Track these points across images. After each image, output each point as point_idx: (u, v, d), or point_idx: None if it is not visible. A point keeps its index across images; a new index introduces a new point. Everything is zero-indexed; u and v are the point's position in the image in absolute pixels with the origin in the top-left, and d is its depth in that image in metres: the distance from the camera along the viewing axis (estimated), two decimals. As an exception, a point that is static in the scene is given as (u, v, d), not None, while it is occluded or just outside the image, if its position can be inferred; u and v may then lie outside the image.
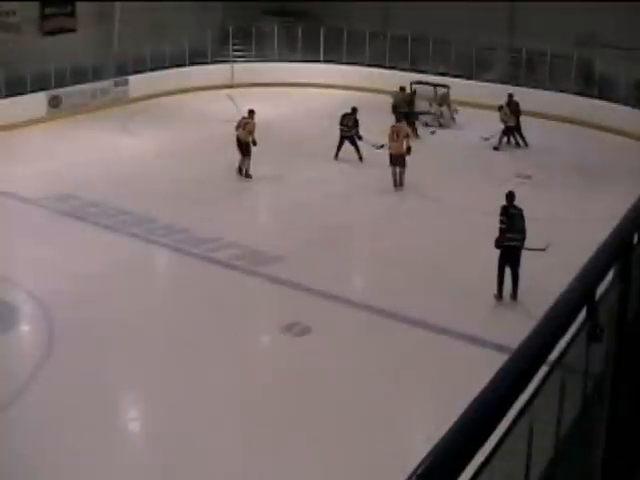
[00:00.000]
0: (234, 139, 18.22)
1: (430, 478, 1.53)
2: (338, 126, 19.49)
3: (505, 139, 21.17)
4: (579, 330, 2.39)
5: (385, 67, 26.99)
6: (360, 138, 19.13)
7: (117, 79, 24.89)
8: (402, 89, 22.78)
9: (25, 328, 12.04)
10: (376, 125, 22.04)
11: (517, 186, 17.54)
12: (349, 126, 19.38)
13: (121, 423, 9.56)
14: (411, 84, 23.57)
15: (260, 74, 26.95)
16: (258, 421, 9.11)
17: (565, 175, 18.78)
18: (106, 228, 14.98)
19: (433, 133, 22.09)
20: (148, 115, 23.76)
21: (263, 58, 28.09)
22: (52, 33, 23.68)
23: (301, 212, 16.10)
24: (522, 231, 11.99)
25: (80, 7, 24.46)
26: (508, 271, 12.13)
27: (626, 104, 22.49)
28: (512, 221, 11.93)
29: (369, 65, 27.17)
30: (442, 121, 23.04)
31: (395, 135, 17.49)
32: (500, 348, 9.80)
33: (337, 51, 27.41)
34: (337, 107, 21.59)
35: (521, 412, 2.05)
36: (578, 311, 2.24)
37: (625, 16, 22.44)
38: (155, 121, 23.15)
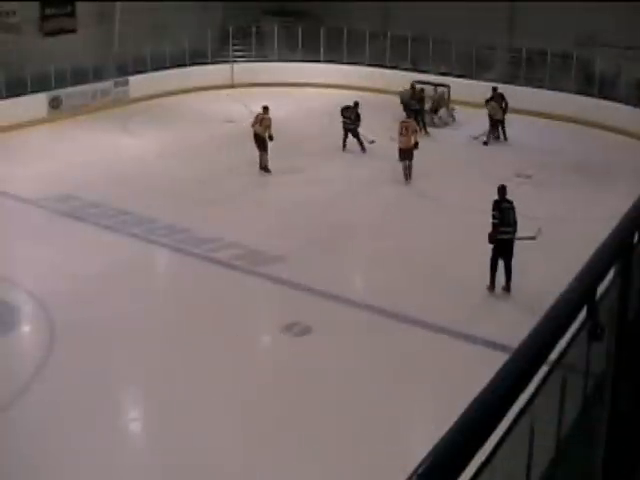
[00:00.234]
0: (235, 137, 18.29)
1: (431, 478, 1.53)
2: (340, 118, 20.10)
3: (495, 133, 21.50)
4: (579, 329, 2.38)
5: (385, 67, 26.99)
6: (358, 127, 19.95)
7: (117, 79, 24.89)
8: (413, 87, 22.97)
9: (25, 328, 12.05)
10: (377, 124, 22.11)
11: (518, 186, 17.60)
12: (351, 119, 20.00)
13: (121, 423, 9.56)
14: (412, 84, 23.57)
15: (260, 74, 26.95)
16: (258, 421, 9.11)
17: (565, 174, 18.78)
18: (106, 228, 14.98)
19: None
20: (148, 115, 23.77)
21: (263, 58, 28.09)
22: (52, 34, 23.68)
23: (301, 212, 16.10)
24: (514, 224, 12.22)
25: (80, 7, 24.47)
26: (501, 264, 12.28)
27: (627, 103, 22.49)
28: (504, 215, 12.12)
29: (369, 65, 27.16)
30: (437, 121, 23.02)
31: (404, 130, 18.08)
32: (501, 348, 9.80)
33: (337, 51, 27.40)
34: (337, 107, 21.59)
35: (522, 412, 2.04)
36: (578, 310, 2.24)
37: (625, 15, 22.43)
38: (155, 121, 23.16)
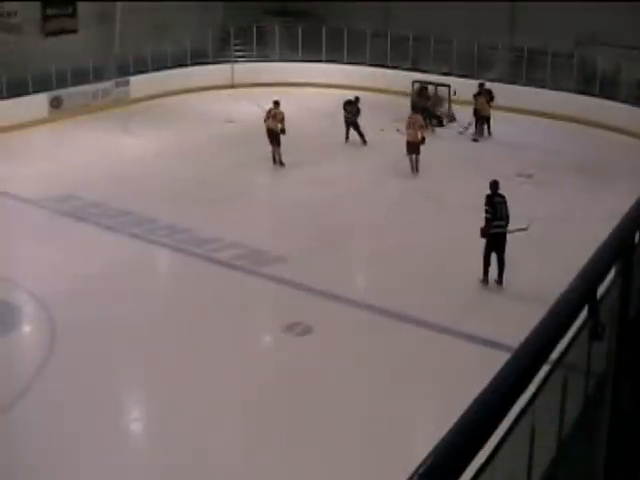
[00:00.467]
0: (236, 137, 18.28)
1: (432, 478, 1.52)
2: (343, 113, 20.86)
3: (482, 129, 21.88)
4: (580, 329, 2.38)
5: (386, 67, 26.99)
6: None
7: (118, 80, 24.91)
8: (423, 88, 23.27)
9: (26, 328, 12.06)
10: (377, 124, 22.13)
11: (519, 185, 17.63)
12: (353, 113, 20.76)
13: (123, 423, 9.56)
14: (413, 84, 23.58)
15: (261, 74, 26.95)
16: (259, 421, 9.11)
17: (566, 174, 18.77)
18: (107, 228, 14.99)
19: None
20: (149, 115, 23.78)
21: (264, 58, 28.09)
22: (53, 34, 23.70)
23: (302, 212, 16.10)
24: (506, 218, 12.41)
25: (81, 8, 24.48)
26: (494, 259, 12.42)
27: (627, 103, 22.48)
28: (497, 209, 12.32)
29: (370, 65, 27.16)
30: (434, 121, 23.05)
31: (412, 124, 18.74)
32: (503, 347, 9.79)
33: (338, 51, 27.39)
34: (338, 107, 21.62)
35: (523, 411, 2.04)
36: (579, 310, 2.23)
37: (625, 15, 22.41)
38: (156, 121, 23.17)
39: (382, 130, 21.00)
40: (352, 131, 21.01)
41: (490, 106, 22.09)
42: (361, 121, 20.92)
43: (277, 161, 19.01)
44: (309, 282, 12.68)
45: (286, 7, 29.40)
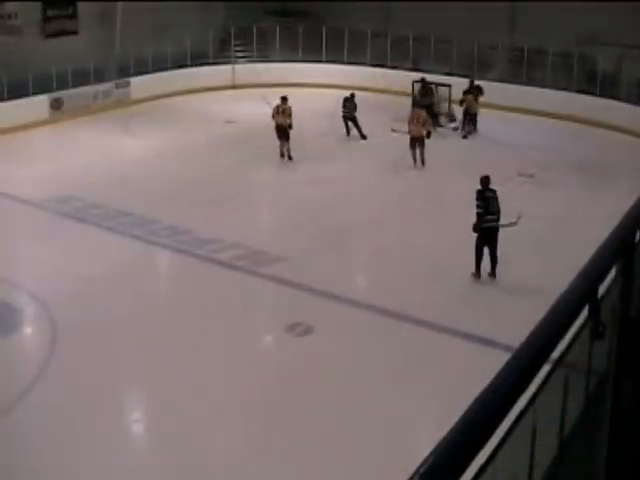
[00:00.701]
0: (236, 138, 18.26)
1: (433, 478, 1.52)
2: (341, 110, 21.44)
3: (470, 126, 22.15)
4: (581, 328, 2.38)
5: (387, 67, 26.99)
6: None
7: (119, 81, 24.91)
8: (427, 86, 23.27)
9: (27, 329, 12.06)
10: (378, 124, 22.14)
11: (520, 185, 17.64)
12: (351, 108, 21.41)
13: (124, 424, 9.56)
14: (413, 83, 23.58)
15: (262, 74, 26.95)
16: (260, 421, 9.11)
17: (568, 173, 18.76)
18: (108, 229, 14.99)
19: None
20: (150, 116, 23.79)
21: (265, 58, 28.10)
22: (54, 35, 23.70)
23: (303, 212, 16.10)
24: (497, 212, 12.55)
25: (81, 9, 24.49)
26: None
27: (628, 102, 22.47)
28: (488, 204, 12.47)
29: (371, 65, 27.17)
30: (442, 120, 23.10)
31: (415, 120, 19.18)
32: (504, 347, 9.78)
33: (339, 51, 27.40)
34: (339, 107, 21.63)
35: (524, 411, 2.04)
36: (580, 309, 2.24)
37: (626, 14, 22.40)
38: (157, 122, 23.18)
39: (394, 131, 21.33)
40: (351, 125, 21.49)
41: (478, 102, 22.30)
42: (360, 118, 21.32)
43: (285, 155, 19.35)
44: (310, 282, 12.68)
45: (286, 7, 29.40)
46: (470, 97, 22.23)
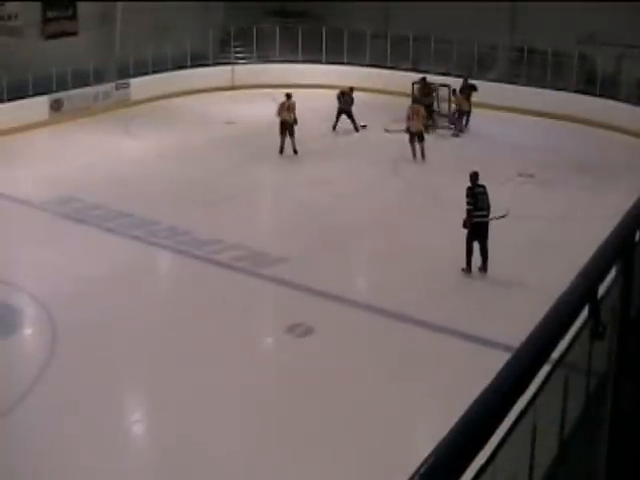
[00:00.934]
0: (236, 139, 18.23)
1: (433, 478, 1.53)
2: (336, 101, 22.11)
3: (461, 125, 22.32)
4: (581, 328, 2.38)
5: (386, 67, 26.99)
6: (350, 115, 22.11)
7: (119, 82, 24.91)
8: (425, 83, 23.30)
9: (28, 330, 12.06)
10: (378, 124, 22.15)
11: (520, 185, 17.64)
12: (347, 102, 21.97)
13: (124, 424, 9.56)
14: (413, 84, 23.58)
15: (261, 75, 26.95)
16: (260, 421, 9.11)
17: (568, 173, 18.76)
18: (108, 231, 14.98)
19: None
20: (150, 117, 23.79)
21: (264, 59, 28.10)
22: (54, 36, 23.69)
23: (303, 212, 16.11)
24: (487, 207, 12.76)
25: (82, 10, 24.48)
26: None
27: (628, 102, 22.48)
28: (478, 200, 12.67)
29: (370, 65, 27.17)
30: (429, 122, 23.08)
31: (414, 115, 19.52)
32: (503, 347, 9.78)
33: (338, 51, 27.40)
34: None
35: (524, 411, 2.04)
36: (580, 309, 2.24)
37: (626, 14, 22.41)
38: (157, 123, 23.18)
39: (364, 127, 22.13)
40: (339, 123, 22.04)
41: (470, 100, 22.48)
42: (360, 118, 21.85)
43: (285, 150, 19.55)
44: (310, 283, 12.68)
45: (286, 8, 29.39)
46: (460, 96, 22.32)
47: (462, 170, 18.71)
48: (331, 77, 26.66)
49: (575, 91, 23.92)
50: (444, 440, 1.60)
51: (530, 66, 25.13)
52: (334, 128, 22.14)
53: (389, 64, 27.05)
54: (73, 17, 24.40)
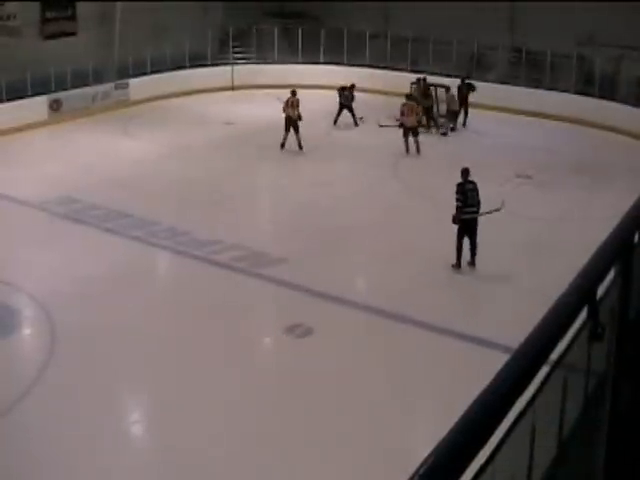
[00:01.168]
0: (235, 139, 18.19)
1: (432, 478, 1.53)
2: (337, 98, 22.82)
3: (452, 124, 22.55)
4: (580, 330, 2.38)
5: (386, 68, 26.99)
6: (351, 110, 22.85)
7: (118, 82, 24.90)
8: (425, 84, 23.38)
9: (27, 331, 12.05)
10: (376, 124, 22.15)
11: (518, 186, 17.65)
12: (348, 97, 22.68)
13: (123, 425, 9.55)
14: (411, 84, 23.59)
15: (260, 76, 26.95)
16: (260, 421, 9.11)
17: (566, 175, 18.77)
18: (107, 231, 14.98)
19: (445, 134, 22.27)
20: (149, 118, 23.79)
21: (263, 60, 28.09)
22: (53, 37, 23.68)
23: (303, 213, 16.11)
24: (477, 204, 12.94)
25: (81, 10, 24.47)
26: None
27: (627, 103, 22.49)
28: (467, 196, 12.86)
29: (370, 66, 27.17)
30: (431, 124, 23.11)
31: (409, 111, 19.95)
32: (503, 348, 9.79)
33: (337, 52, 27.40)
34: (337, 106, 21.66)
35: (523, 412, 2.04)
36: (579, 310, 2.24)
37: (625, 15, 22.42)
38: (156, 124, 23.18)
39: (361, 118, 22.76)
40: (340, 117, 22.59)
41: (467, 100, 22.67)
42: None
43: (289, 146, 19.82)
44: (310, 284, 12.68)
45: (285, 8, 29.39)
46: (450, 94, 22.43)
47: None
48: (330, 77, 26.63)
49: (573, 92, 23.93)
50: (444, 440, 1.60)
51: (529, 67, 25.15)
52: (335, 122, 22.72)
53: (388, 65, 27.05)
54: (72, 17, 24.39)
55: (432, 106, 22.75)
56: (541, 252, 13.98)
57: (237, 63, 27.78)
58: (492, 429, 1.67)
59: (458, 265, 13.06)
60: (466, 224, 12.85)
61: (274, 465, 8.37)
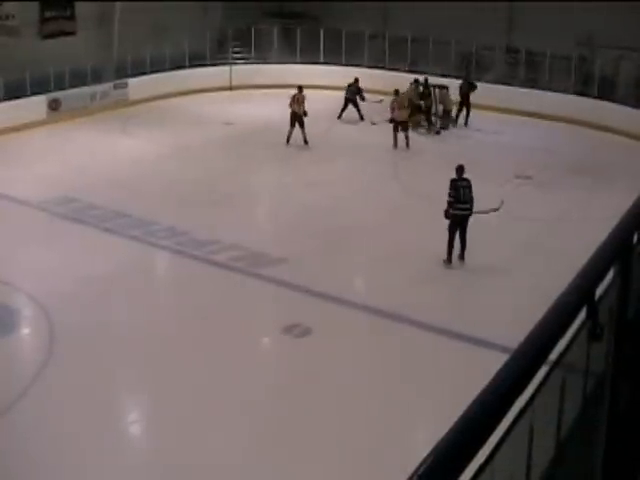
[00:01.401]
0: (234, 139, 18.20)
1: (431, 478, 1.53)
2: (344, 94, 23.38)
3: (446, 122, 22.85)
4: (579, 330, 2.39)
5: (385, 68, 27.00)
6: (363, 99, 23.41)
7: (117, 82, 24.89)
8: (426, 85, 23.36)
9: (25, 331, 12.04)
10: (376, 125, 22.15)
11: (518, 186, 17.66)
12: (353, 91, 23.21)
13: (122, 425, 9.56)
14: (410, 84, 23.59)
15: (259, 76, 26.94)
16: (259, 421, 9.11)
17: (565, 175, 18.78)
18: (106, 231, 14.97)
19: (438, 133, 22.38)
20: (148, 117, 23.78)
21: (262, 60, 28.09)
22: (52, 36, 23.66)
23: (302, 213, 16.10)
24: (470, 201, 13.05)
25: (80, 10, 24.46)
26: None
27: (626, 104, 22.50)
28: (459, 193, 13.01)
29: (369, 66, 27.17)
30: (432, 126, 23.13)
31: (398, 106, 20.42)
32: (501, 348, 9.79)
33: (336, 52, 27.41)
34: (337, 108, 21.66)
35: (522, 412, 2.04)
36: (578, 310, 2.24)
37: (624, 16, 22.44)
38: (155, 123, 23.17)
39: (361, 119, 23.14)
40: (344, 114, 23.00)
41: (469, 99, 22.79)
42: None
43: (294, 141, 20.18)
44: (308, 283, 12.68)
45: (284, 9, 29.40)
46: (444, 92, 22.53)
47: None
48: (329, 78, 26.67)
49: (573, 93, 23.94)
50: (443, 440, 1.60)
51: (527, 67, 25.16)
52: (339, 117, 23.23)
53: (387, 65, 27.05)
54: (71, 17, 24.37)
55: (432, 106, 22.76)
56: (540, 252, 13.99)
57: (236, 63, 27.78)
58: (491, 429, 1.67)
59: (449, 260, 13.21)
60: (458, 220, 12.97)
61: (273, 464, 8.37)
